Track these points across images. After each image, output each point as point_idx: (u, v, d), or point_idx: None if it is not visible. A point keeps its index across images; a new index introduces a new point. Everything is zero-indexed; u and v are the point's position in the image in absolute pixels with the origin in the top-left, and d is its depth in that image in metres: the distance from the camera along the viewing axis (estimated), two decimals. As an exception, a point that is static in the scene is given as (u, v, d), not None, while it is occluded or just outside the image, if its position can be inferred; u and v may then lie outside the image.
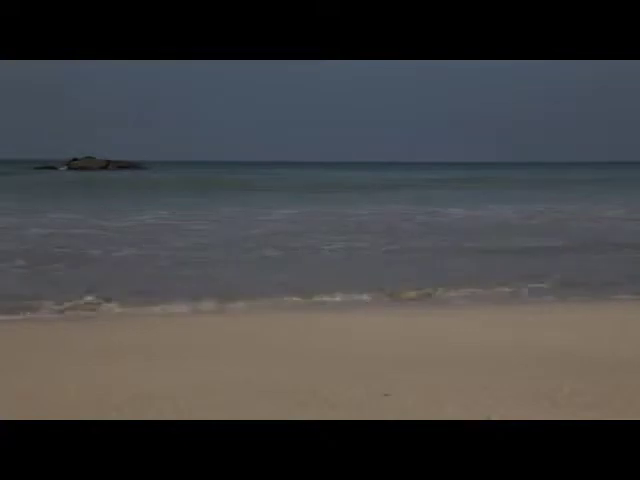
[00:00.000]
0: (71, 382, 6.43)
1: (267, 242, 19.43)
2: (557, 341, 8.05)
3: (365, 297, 11.80)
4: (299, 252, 17.80)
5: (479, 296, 12.02)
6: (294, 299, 11.56)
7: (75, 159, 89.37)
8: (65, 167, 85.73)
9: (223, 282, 13.37)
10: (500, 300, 11.73)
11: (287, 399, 5.92)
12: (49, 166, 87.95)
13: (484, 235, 21.58)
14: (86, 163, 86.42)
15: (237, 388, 6.23)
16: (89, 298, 11.38)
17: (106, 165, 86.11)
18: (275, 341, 8.26)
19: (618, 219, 27.41)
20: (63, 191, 45.34)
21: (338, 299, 11.62)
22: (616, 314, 10.11)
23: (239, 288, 12.52)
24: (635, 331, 8.78)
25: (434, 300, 11.78)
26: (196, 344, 8.19)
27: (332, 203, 36.19)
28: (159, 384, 6.34)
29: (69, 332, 9.21)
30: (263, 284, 13.03)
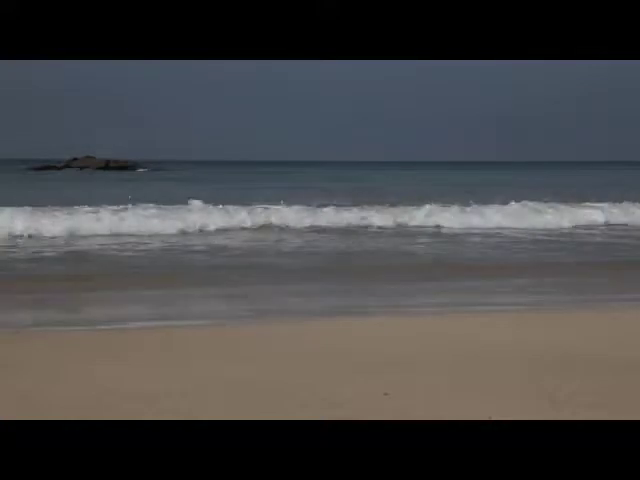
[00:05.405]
0: (71, 382, 6.44)
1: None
2: (557, 341, 8.05)
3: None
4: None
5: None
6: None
7: (75, 159, 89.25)
8: (66, 167, 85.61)
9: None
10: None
11: (287, 399, 5.92)
12: (48, 166, 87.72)
13: None
14: (86, 163, 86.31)
15: (237, 388, 6.23)
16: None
17: (106, 165, 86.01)
18: (275, 341, 8.26)
19: None
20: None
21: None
22: (617, 314, 10.10)
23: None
24: (635, 331, 8.77)
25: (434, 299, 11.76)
26: (196, 344, 8.19)
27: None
28: (159, 384, 6.34)
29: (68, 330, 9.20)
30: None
